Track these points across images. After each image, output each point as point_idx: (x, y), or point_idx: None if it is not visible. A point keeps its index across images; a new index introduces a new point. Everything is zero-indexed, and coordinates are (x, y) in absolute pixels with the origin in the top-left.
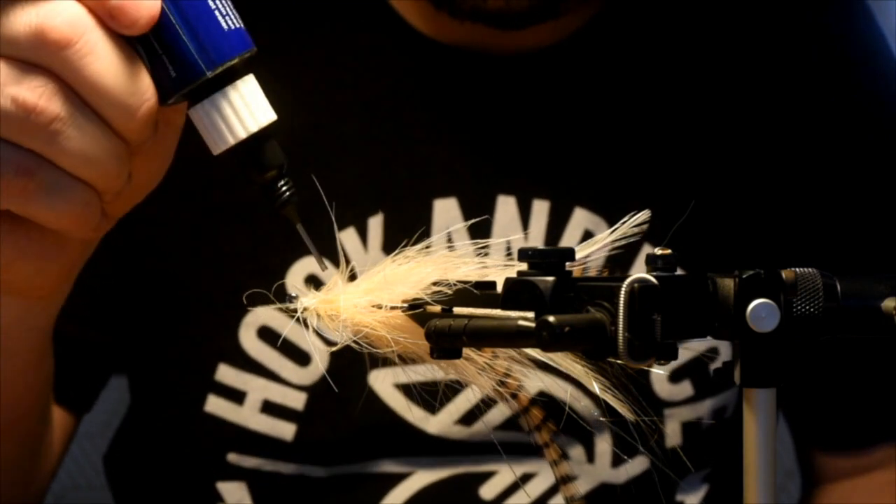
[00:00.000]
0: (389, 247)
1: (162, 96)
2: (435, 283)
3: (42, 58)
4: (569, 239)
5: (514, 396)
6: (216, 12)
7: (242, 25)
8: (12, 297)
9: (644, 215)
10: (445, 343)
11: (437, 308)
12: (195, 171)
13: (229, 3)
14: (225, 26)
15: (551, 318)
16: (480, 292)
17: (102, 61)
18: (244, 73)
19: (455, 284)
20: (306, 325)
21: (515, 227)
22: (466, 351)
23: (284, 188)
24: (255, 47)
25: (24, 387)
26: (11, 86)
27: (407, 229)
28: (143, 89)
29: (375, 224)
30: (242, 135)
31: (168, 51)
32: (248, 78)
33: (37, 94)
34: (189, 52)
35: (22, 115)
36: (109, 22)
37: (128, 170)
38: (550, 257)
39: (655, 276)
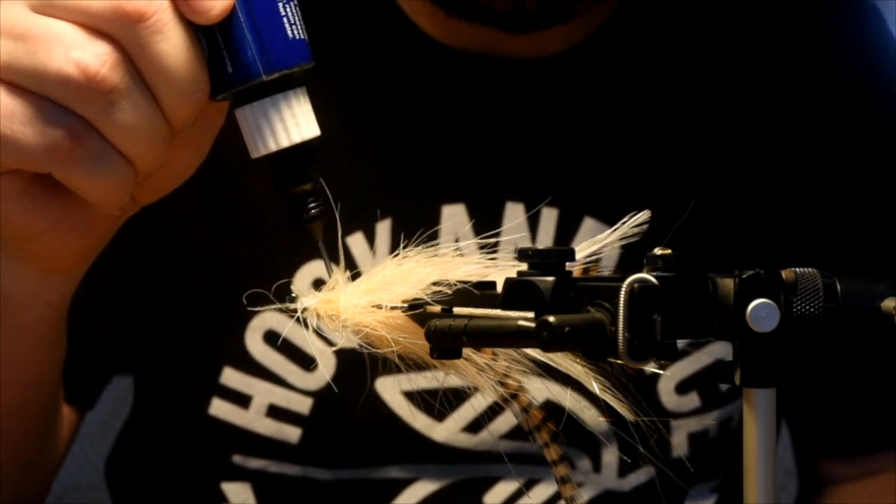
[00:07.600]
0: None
1: (213, 90)
2: (435, 283)
3: (113, 28)
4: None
5: (515, 397)
6: (284, 19)
7: (306, 38)
8: (33, 267)
9: (644, 215)
10: (445, 343)
11: (437, 308)
12: (204, 174)
13: (299, 13)
14: (290, 34)
15: (551, 319)
16: (480, 292)
17: (169, 42)
18: (298, 83)
19: (455, 284)
20: (306, 326)
21: (523, 235)
22: (466, 351)
23: (313, 204)
24: (313, 62)
25: (37, 366)
26: (77, 50)
27: (415, 234)
28: (200, 78)
29: (383, 229)
30: (285, 143)
31: (230, 46)
32: (301, 90)
33: (100, 61)
34: (250, 51)
35: (82, 80)
36: (183, 7)
37: (165, 153)
38: (550, 257)
39: (655, 276)
